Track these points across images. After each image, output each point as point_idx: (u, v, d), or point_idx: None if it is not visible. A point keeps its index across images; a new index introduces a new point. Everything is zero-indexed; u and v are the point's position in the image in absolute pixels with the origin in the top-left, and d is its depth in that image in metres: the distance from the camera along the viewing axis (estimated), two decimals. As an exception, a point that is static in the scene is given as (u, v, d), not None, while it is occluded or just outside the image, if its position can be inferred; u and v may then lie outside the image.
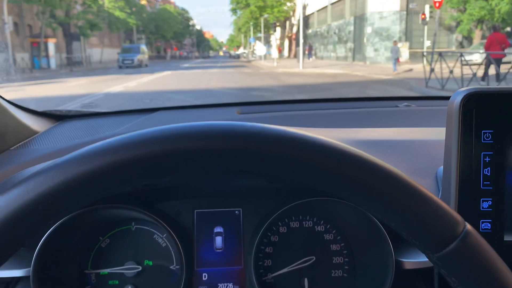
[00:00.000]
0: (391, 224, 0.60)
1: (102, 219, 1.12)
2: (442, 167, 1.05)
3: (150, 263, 1.16)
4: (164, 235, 1.18)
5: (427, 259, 1.00)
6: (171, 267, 1.17)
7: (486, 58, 14.15)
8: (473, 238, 0.57)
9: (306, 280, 1.16)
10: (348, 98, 2.57)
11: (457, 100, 0.92)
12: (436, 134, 1.36)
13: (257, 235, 1.09)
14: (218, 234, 1.23)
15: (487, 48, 15.01)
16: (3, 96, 1.49)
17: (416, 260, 1.00)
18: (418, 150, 1.23)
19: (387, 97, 2.68)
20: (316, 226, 1.22)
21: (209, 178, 1.06)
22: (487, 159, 0.94)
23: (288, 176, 0.56)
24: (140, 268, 1.14)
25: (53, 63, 32.75)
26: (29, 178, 0.53)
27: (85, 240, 1.13)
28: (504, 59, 14.19)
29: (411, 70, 22.97)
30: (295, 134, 0.55)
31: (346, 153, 0.55)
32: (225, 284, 1.19)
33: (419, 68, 17.75)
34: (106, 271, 1.14)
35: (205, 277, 1.20)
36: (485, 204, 0.95)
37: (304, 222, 1.22)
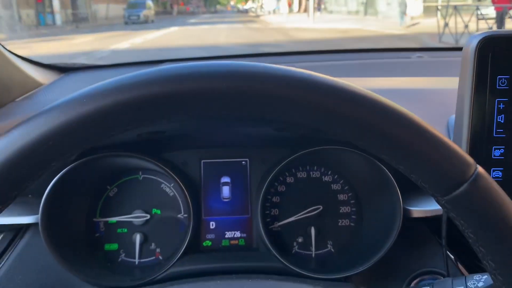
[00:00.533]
0: (399, 167, 0.58)
1: (109, 168, 1.12)
2: (453, 115, 1.02)
3: (158, 211, 1.17)
4: (172, 185, 1.18)
5: (435, 208, 1.00)
6: (178, 215, 1.18)
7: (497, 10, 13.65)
8: (484, 181, 0.55)
9: (313, 229, 1.17)
10: (360, 49, 2.49)
11: (472, 44, 0.88)
12: (449, 83, 1.32)
13: (264, 185, 1.09)
14: (225, 184, 1.23)
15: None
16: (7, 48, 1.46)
17: (424, 208, 0.99)
18: (430, 99, 1.20)
19: (399, 48, 2.60)
20: (323, 176, 1.21)
21: (217, 128, 1.05)
22: (501, 105, 0.91)
23: (292, 117, 0.53)
24: (148, 216, 1.16)
25: (58, 19, 32.27)
26: (30, 119, 0.52)
27: (93, 189, 1.14)
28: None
29: (418, 23, 22.28)
30: (297, 73, 0.53)
31: (351, 92, 0.53)
32: (232, 233, 1.21)
33: (433, 23, 17.20)
34: (115, 219, 1.16)
35: (212, 225, 1.21)
36: (497, 152, 0.93)
37: (311, 172, 1.22)
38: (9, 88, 1.43)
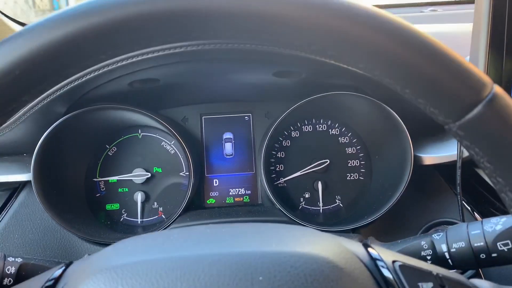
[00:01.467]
0: (405, 92, 0.52)
1: (108, 126, 1.07)
2: (468, 57, 0.95)
3: (160, 170, 1.13)
4: (172, 142, 1.14)
5: (448, 154, 0.94)
6: (180, 173, 1.14)
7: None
8: (502, 101, 0.48)
9: (319, 183, 1.12)
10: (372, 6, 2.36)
11: None
12: (464, 28, 1.23)
13: (266, 139, 1.03)
14: (228, 140, 1.18)
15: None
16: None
17: (436, 155, 0.93)
18: (447, 41, 1.12)
19: (411, 3, 2.49)
20: (330, 129, 1.15)
21: (216, 78, 0.99)
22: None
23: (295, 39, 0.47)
24: (149, 174, 1.12)
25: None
26: None
27: (92, 148, 1.10)
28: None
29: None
30: None
31: (350, 6, 0.46)
32: (237, 190, 1.17)
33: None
34: (115, 178, 1.12)
35: (216, 183, 1.17)
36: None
37: (318, 126, 1.16)
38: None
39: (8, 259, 0.74)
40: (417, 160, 0.93)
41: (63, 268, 0.56)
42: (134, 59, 0.78)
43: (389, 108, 0.92)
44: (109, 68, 0.79)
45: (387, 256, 0.56)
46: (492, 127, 0.49)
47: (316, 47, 0.49)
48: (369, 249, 0.58)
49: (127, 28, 0.47)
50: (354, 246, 0.58)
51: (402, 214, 1.00)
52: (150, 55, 0.76)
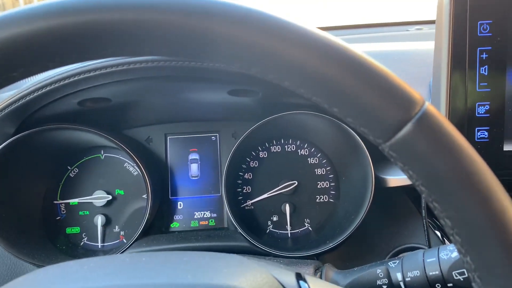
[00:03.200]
0: (334, 110, 0.48)
1: (66, 146, 1.04)
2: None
3: (122, 192, 1.10)
4: (135, 164, 1.10)
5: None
6: (143, 196, 1.10)
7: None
8: (432, 119, 0.44)
9: (287, 206, 1.07)
10: (358, 25, 2.37)
11: None
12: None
13: (228, 159, 0.99)
14: (194, 160, 1.14)
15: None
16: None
17: (400, 177, 0.88)
18: (413, 60, 1.08)
19: (398, 22, 2.48)
20: (299, 150, 1.11)
21: (172, 95, 0.96)
22: (484, 55, 0.79)
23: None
24: (110, 197, 1.08)
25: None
26: None
27: (51, 170, 1.07)
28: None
29: None
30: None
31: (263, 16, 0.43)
32: (202, 213, 1.12)
33: None
34: (76, 200, 1.08)
35: (180, 205, 1.12)
36: (481, 109, 0.82)
37: (286, 146, 1.12)
38: None
39: None
40: (381, 181, 0.89)
41: None
42: (75, 78, 0.75)
43: (346, 126, 0.88)
44: (52, 86, 0.76)
45: None
46: (423, 147, 0.45)
47: (240, 64, 0.46)
48: (301, 282, 0.54)
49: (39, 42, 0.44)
50: (286, 278, 0.54)
51: (369, 238, 0.95)
52: (91, 74, 0.73)
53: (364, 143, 0.88)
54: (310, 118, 0.92)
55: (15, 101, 0.80)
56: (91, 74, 0.75)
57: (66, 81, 0.76)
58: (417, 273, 0.68)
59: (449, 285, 0.65)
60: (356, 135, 0.87)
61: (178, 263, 0.51)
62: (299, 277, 0.54)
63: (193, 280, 0.46)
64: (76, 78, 0.75)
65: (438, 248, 0.68)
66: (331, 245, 0.89)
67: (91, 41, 0.40)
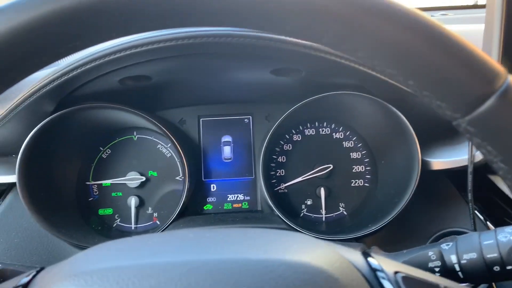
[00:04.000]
0: (409, 83, 0.46)
1: (100, 127, 1.03)
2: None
3: (155, 174, 1.09)
4: (169, 145, 1.09)
5: (459, 158, 0.88)
6: (176, 178, 1.09)
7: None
8: (517, 93, 0.42)
9: (322, 190, 1.06)
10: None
11: None
12: (475, 28, 1.17)
13: (265, 142, 0.98)
14: (226, 143, 1.13)
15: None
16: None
17: (446, 159, 0.87)
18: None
19: (423, 8, 2.44)
20: (334, 133, 1.10)
21: (214, 77, 0.94)
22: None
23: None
24: (144, 178, 1.07)
25: None
26: None
27: (84, 150, 1.06)
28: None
29: None
30: None
31: None
32: (235, 195, 1.11)
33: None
34: (109, 182, 1.08)
35: (213, 188, 1.12)
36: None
37: (320, 129, 1.10)
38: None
39: (-16, 265, 0.70)
40: (425, 165, 0.87)
41: (33, 274, 0.51)
42: (121, 54, 0.73)
43: (394, 108, 0.86)
44: (96, 63, 0.74)
45: (389, 266, 0.51)
46: (507, 121, 0.43)
47: (309, 32, 0.44)
48: (369, 259, 0.52)
49: (101, 11, 0.42)
50: (353, 255, 0.52)
51: (409, 223, 0.93)
52: (138, 49, 0.72)
53: (411, 126, 0.86)
54: (355, 99, 0.90)
55: (56, 79, 0.79)
56: (138, 50, 0.74)
57: (111, 57, 0.75)
58: (474, 255, 0.66)
59: (508, 267, 0.63)
60: (403, 116, 0.85)
61: (245, 239, 0.50)
62: (366, 255, 0.53)
63: (266, 256, 0.45)
64: (122, 53, 0.74)
65: (495, 231, 0.67)
66: (373, 228, 0.87)
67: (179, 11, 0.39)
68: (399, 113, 0.86)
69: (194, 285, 0.41)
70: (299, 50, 0.73)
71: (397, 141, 0.92)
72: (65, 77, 0.78)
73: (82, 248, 0.93)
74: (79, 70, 0.77)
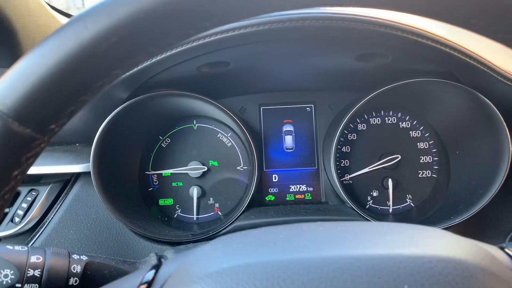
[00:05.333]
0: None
1: (163, 115, 1.00)
2: None
3: (216, 163, 1.06)
4: (229, 134, 1.06)
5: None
6: (238, 167, 1.06)
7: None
8: None
9: (390, 181, 1.03)
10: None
11: None
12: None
13: (337, 131, 0.94)
14: (288, 132, 1.10)
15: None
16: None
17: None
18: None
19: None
20: (400, 122, 1.06)
21: (284, 63, 0.90)
22: None
23: None
24: (206, 168, 1.04)
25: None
26: (84, 14, 0.39)
27: (145, 139, 1.04)
28: None
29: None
30: None
31: None
32: (298, 186, 1.08)
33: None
34: (169, 171, 1.05)
35: (275, 178, 1.09)
36: None
37: (386, 118, 1.07)
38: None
39: (73, 256, 0.67)
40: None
41: (154, 270, 0.49)
42: (209, 38, 0.70)
43: (485, 98, 0.82)
44: (184, 47, 0.71)
45: None
46: None
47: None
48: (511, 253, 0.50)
49: None
50: (494, 251, 0.50)
51: (489, 216, 0.90)
52: (235, 33, 0.68)
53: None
54: (441, 87, 0.86)
55: (133, 64, 0.76)
56: (223, 35, 0.70)
57: (202, 41, 0.71)
58: None
59: None
60: (493, 106, 0.82)
61: (384, 233, 0.47)
62: (502, 249, 0.50)
63: (420, 252, 0.42)
64: (212, 38, 0.70)
65: None
66: (456, 220, 0.84)
67: None
68: (489, 103, 0.82)
69: (350, 281, 0.38)
70: (396, 34, 0.69)
71: (481, 131, 0.88)
72: (143, 64, 0.75)
73: (150, 238, 0.90)
74: (159, 57, 0.74)
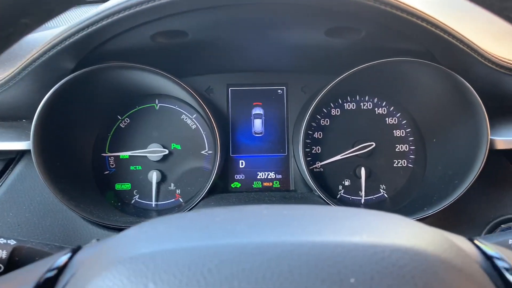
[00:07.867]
0: None
1: (121, 92, 0.92)
2: None
3: (178, 147, 0.98)
4: (194, 116, 0.99)
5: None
6: (202, 152, 0.99)
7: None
8: None
9: (363, 170, 0.97)
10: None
11: None
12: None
13: (305, 116, 0.88)
14: (257, 116, 1.03)
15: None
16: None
17: (513, 138, 0.78)
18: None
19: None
20: (376, 108, 1.00)
21: (250, 39, 0.83)
22: None
23: None
24: (167, 151, 0.97)
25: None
26: None
27: (101, 118, 0.95)
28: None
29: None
30: None
31: None
32: (266, 173, 1.01)
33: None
34: (127, 154, 0.97)
35: (242, 164, 1.02)
36: None
37: (362, 104, 1.00)
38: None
39: (-1, 240, 0.60)
40: (489, 143, 0.78)
41: (69, 255, 0.42)
42: (154, 3, 0.62)
43: (464, 80, 0.76)
44: (131, 11, 0.63)
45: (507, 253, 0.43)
46: None
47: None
48: (481, 246, 0.44)
49: None
50: (460, 241, 0.44)
51: (466, 207, 0.85)
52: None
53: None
54: (418, 68, 0.79)
55: (79, 30, 0.68)
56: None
57: (143, 7, 0.64)
58: None
59: None
60: (472, 89, 0.76)
61: (338, 218, 0.41)
62: (471, 241, 0.44)
63: (372, 240, 0.36)
64: (155, 3, 0.62)
65: None
66: (430, 211, 0.79)
67: None
68: (468, 85, 0.76)
69: (287, 273, 0.32)
70: (368, 3, 0.62)
71: (460, 116, 0.82)
72: (90, 28, 0.67)
73: (101, 225, 0.83)
74: (103, 23, 0.66)
